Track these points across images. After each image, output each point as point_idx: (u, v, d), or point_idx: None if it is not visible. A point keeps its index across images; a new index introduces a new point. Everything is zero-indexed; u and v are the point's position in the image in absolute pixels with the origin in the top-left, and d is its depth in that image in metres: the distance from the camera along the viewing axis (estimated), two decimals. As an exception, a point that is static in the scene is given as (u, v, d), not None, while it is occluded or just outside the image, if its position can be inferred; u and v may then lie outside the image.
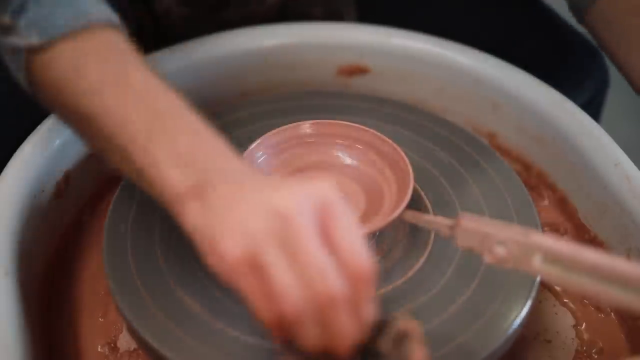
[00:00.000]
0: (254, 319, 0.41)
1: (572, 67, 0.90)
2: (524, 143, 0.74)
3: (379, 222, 0.57)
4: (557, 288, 0.65)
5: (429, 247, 0.59)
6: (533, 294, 0.56)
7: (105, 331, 0.60)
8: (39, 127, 0.65)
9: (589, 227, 0.68)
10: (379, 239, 0.60)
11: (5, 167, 0.61)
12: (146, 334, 0.52)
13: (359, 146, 0.64)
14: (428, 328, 0.53)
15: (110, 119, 0.47)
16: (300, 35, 0.78)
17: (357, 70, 0.79)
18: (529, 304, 0.55)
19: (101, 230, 0.60)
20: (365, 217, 0.60)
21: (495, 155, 0.68)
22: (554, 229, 0.70)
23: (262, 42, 0.77)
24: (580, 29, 0.75)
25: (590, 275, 0.45)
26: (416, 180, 0.60)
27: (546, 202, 0.73)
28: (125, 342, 0.60)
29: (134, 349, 0.59)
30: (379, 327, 0.43)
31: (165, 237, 0.59)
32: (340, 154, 0.64)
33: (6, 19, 0.49)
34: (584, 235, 0.68)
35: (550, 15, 0.94)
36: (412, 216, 0.56)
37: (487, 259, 0.49)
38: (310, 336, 0.41)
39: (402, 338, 0.43)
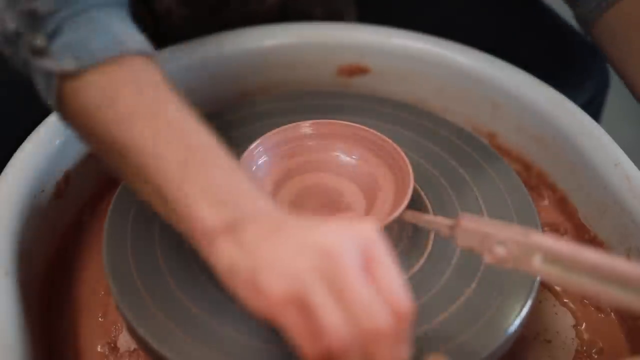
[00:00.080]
0: (298, 354, 0.41)
1: (572, 67, 0.90)
2: (524, 143, 0.74)
3: (378, 222, 0.57)
4: (557, 288, 0.65)
5: (429, 247, 0.59)
6: (533, 294, 0.56)
7: (105, 331, 0.60)
8: (39, 127, 0.65)
9: (589, 227, 0.68)
10: (379, 239, 0.60)
11: (5, 167, 0.61)
12: (146, 334, 0.52)
13: (358, 146, 0.64)
14: (428, 328, 0.53)
15: (142, 151, 0.46)
16: (300, 35, 0.78)
17: (357, 70, 0.79)
18: (529, 304, 0.55)
19: (101, 230, 0.60)
20: (365, 217, 0.60)
21: (495, 155, 0.68)
22: (554, 229, 0.70)
23: (262, 42, 0.77)
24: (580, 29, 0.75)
25: (590, 275, 0.45)
26: (416, 180, 0.60)
27: (546, 202, 0.73)
28: (125, 342, 0.60)
29: (134, 349, 0.59)
30: None
31: (165, 237, 0.59)
32: (340, 154, 0.64)
33: (40, 41, 0.48)
34: (584, 235, 0.68)
35: (550, 15, 0.94)
36: (412, 216, 0.56)
37: (487, 259, 0.49)
38: None
39: None
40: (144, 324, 0.53)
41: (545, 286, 0.65)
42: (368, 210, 0.60)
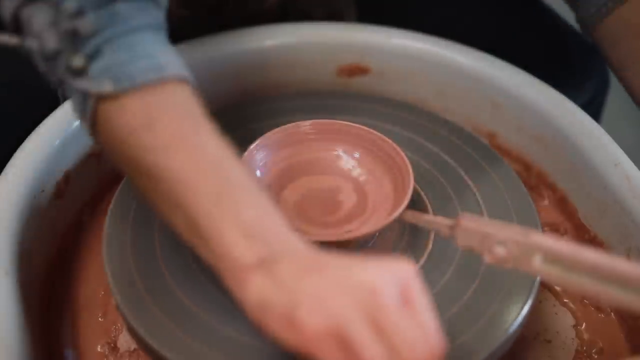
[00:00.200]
0: None
1: (573, 67, 0.90)
2: (524, 143, 0.74)
3: (379, 222, 0.57)
4: (557, 288, 0.65)
5: (429, 247, 0.59)
6: (533, 294, 0.56)
7: (105, 331, 0.60)
8: (39, 127, 0.65)
9: (589, 227, 0.68)
10: (379, 239, 0.60)
11: (5, 167, 0.61)
12: (146, 334, 0.52)
13: (358, 146, 0.64)
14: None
15: (176, 181, 0.45)
16: (300, 35, 0.78)
17: (357, 70, 0.79)
18: (529, 304, 0.55)
19: (101, 230, 0.60)
20: (365, 217, 0.60)
21: (496, 155, 0.68)
22: (554, 229, 0.70)
23: (262, 42, 0.77)
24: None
25: (590, 275, 0.45)
26: (416, 180, 0.60)
27: (546, 202, 0.73)
28: (125, 342, 0.60)
29: (134, 349, 0.59)
30: None
31: (165, 237, 0.59)
32: (340, 154, 0.64)
33: (79, 62, 0.47)
34: (584, 235, 0.68)
35: (550, 15, 0.94)
36: (412, 216, 0.56)
37: (487, 259, 0.49)
38: None
39: None
40: (144, 324, 0.53)
41: (545, 286, 0.65)
42: (368, 210, 0.60)
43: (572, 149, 0.68)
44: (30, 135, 0.64)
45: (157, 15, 0.50)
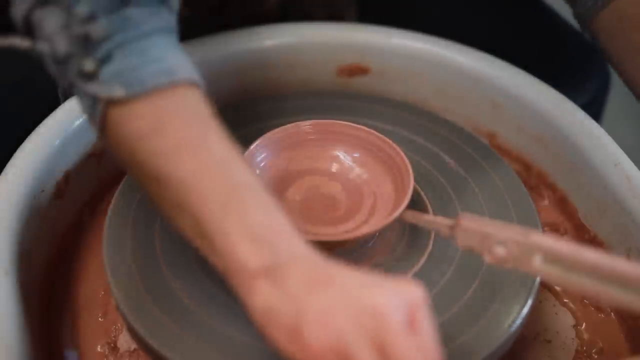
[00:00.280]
0: None
1: (573, 67, 0.90)
2: (524, 143, 0.74)
3: (379, 222, 0.57)
4: (557, 288, 0.65)
5: (429, 247, 0.59)
6: (533, 294, 0.56)
7: (105, 331, 0.60)
8: (39, 127, 0.65)
9: (589, 227, 0.68)
10: (379, 239, 0.60)
11: (5, 167, 0.61)
12: (146, 334, 0.52)
13: (358, 146, 0.64)
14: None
15: (185, 185, 0.45)
16: (300, 35, 0.78)
17: (358, 70, 0.79)
18: (529, 304, 0.55)
19: (101, 230, 0.60)
20: (365, 218, 0.60)
21: (495, 155, 0.68)
22: (554, 229, 0.70)
23: (262, 42, 0.77)
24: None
25: (590, 275, 0.45)
26: (416, 180, 0.60)
27: (546, 202, 0.73)
28: (125, 342, 0.60)
29: (134, 349, 0.59)
30: None
31: (165, 238, 0.59)
32: (340, 154, 0.64)
33: (90, 66, 0.47)
34: (584, 235, 0.68)
35: (550, 15, 0.94)
36: (412, 216, 0.56)
37: (487, 259, 0.49)
38: None
39: None
40: (144, 324, 0.53)
41: (545, 286, 0.65)
42: (368, 211, 0.60)
43: (572, 149, 0.68)
44: (30, 135, 0.64)
45: (169, 19, 0.50)
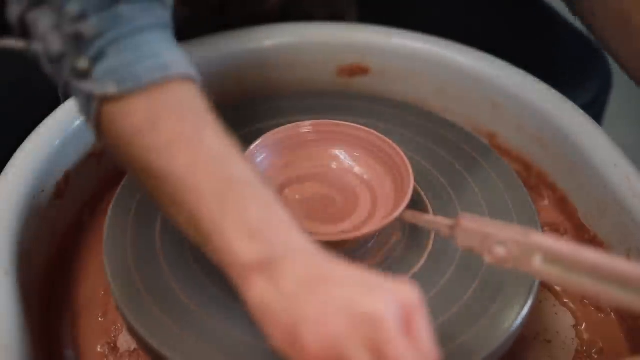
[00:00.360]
0: None
1: (573, 67, 0.90)
2: (524, 143, 0.74)
3: (379, 222, 0.57)
4: (557, 288, 0.65)
5: (429, 247, 0.59)
6: (533, 294, 0.56)
7: (105, 331, 0.60)
8: (39, 127, 0.65)
9: (589, 227, 0.68)
10: (379, 239, 0.60)
11: (6, 167, 0.61)
12: (146, 334, 0.52)
13: (358, 146, 0.64)
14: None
15: (180, 180, 0.45)
16: (300, 35, 0.78)
17: (358, 70, 0.79)
18: (529, 304, 0.55)
19: (101, 230, 0.60)
20: (365, 218, 0.60)
21: (495, 155, 0.68)
22: (554, 229, 0.70)
23: (262, 42, 0.77)
24: (582, 28, 0.75)
25: (590, 275, 0.45)
26: (416, 180, 0.60)
27: (546, 202, 0.73)
28: (125, 342, 0.60)
29: (134, 349, 0.59)
30: None
31: (165, 237, 0.59)
32: (340, 154, 0.64)
33: (84, 64, 0.47)
34: (584, 235, 0.68)
35: (551, 14, 0.94)
36: (412, 216, 0.56)
37: (487, 259, 0.49)
38: None
39: None
40: (144, 324, 0.53)
41: (545, 286, 0.65)
42: (368, 211, 0.60)
43: (572, 149, 0.68)
44: (30, 135, 0.64)
45: (162, 15, 0.50)
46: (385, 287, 0.42)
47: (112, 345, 0.60)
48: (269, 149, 0.62)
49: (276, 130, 0.63)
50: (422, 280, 0.57)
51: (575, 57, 0.91)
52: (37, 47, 0.49)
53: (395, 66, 0.78)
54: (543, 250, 0.47)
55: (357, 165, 0.64)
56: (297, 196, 0.62)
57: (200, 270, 0.56)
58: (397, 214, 0.56)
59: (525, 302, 0.55)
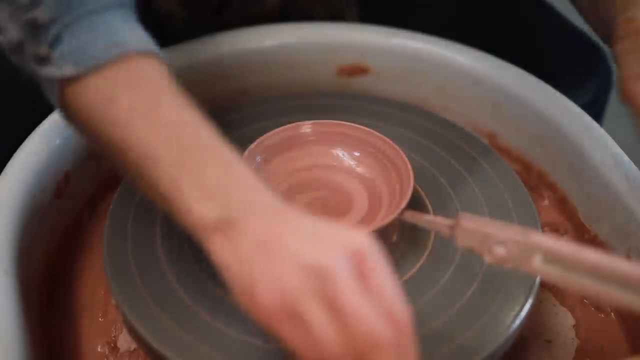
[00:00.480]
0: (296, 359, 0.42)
1: (573, 67, 0.90)
2: (524, 143, 0.74)
3: (379, 222, 0.57)
4: (558, 288, 0.65)
5: (429, 247, 0.59)
6: (533, 294, 0.56)
7: (105, 331, 0.60)
8: (39, 127, 0.65)
9: (589, 227, 0.68)
10: (378, 239, 0.60)
11: (6, 167, 0.61)
12: (146, 334, 0.52)
13: (359, 146, 0.64)
14: (428, 328, 0.53)
15: (139, 151, 0.46)
16: (300, 35, 0.78)
17: (358, 70, 0.79)
18: (529, 304, 0.55)
19: (101, 230, 0.60)
20: (365, 217, 0.60)
21: (495, 155, 0.68)
22: (554, 229, 0.70)
23: (262, 42, 0.77)
24: (583, 28, 0.75)
25: (590, 275, 0.45)
26: (416, 180, 0.60)
27: (546, 202, 0.73)
28: (125, 342, 0.60)
29: (134, 349, 0.59)
30: None
31: (165, 237, 0.59)
32: (340, 154, 0.64)
33: (43, 50, 0.49)
34: (584, 235, 0.68)
35: (551, 14, 0.94)
36: (412, 216, 0.56)
37: (487, 259, 0.49)
38: None
39: None
40: (144, 324, 0.53)
41: (545, 286, 0.65)
42: (368, 211, 0.60)
43: (572, 149, 0.68)
44: (30, 135, 0.64)
45: None
46: (335, 237, 0.43)
47: (112, 345, 0.60)
48: (269, 149, 0.62)
49: (276, 130, 0.63)
50: (422, 280, 0.57)
51: (575, 56, 0.91)
52: (1, 39, 0.50)
53: (395, 66, 0.78)
54: (543, 250, 0.47)
55: (357, 165, 0.64)
56: (296, 196, 0.62)
57: (200, 270, 0.56)
58: (397, 214, 0.56)
59: (525, 302, 0.55)
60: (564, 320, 0.63)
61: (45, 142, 0.64)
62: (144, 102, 0.47)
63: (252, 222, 0.43)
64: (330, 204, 0.61)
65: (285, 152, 0.63)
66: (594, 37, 0.73)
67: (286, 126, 0.63)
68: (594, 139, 0.67)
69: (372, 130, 0.63)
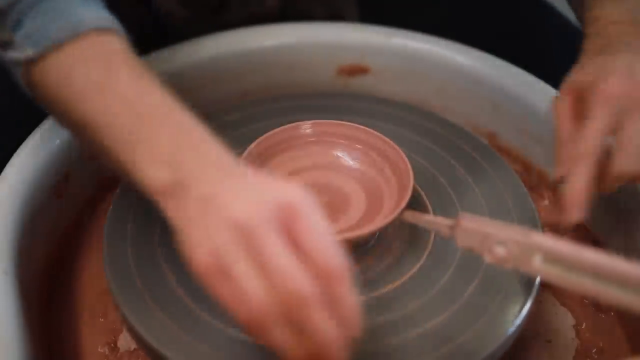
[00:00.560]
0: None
1: (574, 67, 0.90)
2: (524, 143, 0.74)
3: (379, 222, 0.57)
4: (558, 288, 0.65)
5: (429, 247, 0.59)
6: (533, 294, 0.56)
7: (105, 331, 0.60)
8: (39, 127, 0.65)
9: (589, 227, 0.68)
10: (379, 239, 0.60)
11: (6, 167, 0.61)
12: (146, 334, 0.52)
13: (359, 146, 0.64)
14: (428, 328, 0.53)
15: (97, 124, 0.48)
16: (300, 35, 0.78)
17: (358, 70, 0.79)
18: (529, 304, 0.55)
19: (101, 230, 0.60)
20: (365, 218, 0.60)
21: (495, 155, 0.68)
22: (554, 229, 0.70)
23: (262, 42, 0.77)
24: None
25: (590, 275, 0.45)
26: (416, 180, 0.60)
27: (546, 202, 0.73)
28: (125, 342, 0.60)
29: (134, 349, 0.59)
30: None
31: (165, 237, 0.59)
32: (340, 154, 0.64)
33: (5, 35, 0.51)
34: (584, 235, 0.68)
35: (551, 14, 0.94)
36: (412, 216, 0.56)
37: (487, 259, 0.49)
38: (287, 340, 0.41)
39: None
40: (144, 324, 0.53)
41: (545, 286, 0.65)
42: (368, 211, 0.60)
43: (572, 149, 0.68)
44: (31, 134, 0.64)
45: None
46: (267, 192, 0.43)
47: (112, 345, 0.60)
48: (269, 149, 0.62)
49: (276, 130, 0.63)
50: (422, 280, 0.57)
51: (576, 56, 0.91)
52: None
53: (395, 66, 0.78)
54: (543, 250, 0.47)
55: (357, 165, 0.64)
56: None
57: (200, 270, 0.56)
58: (397, 214, 0.56)
59: (525, 302, 0.55)
60: (564, 320, 0.63)
61: (45, 142, 0.64)
62: (99, 76, 0.49)
63: (199, 183, 0.44)
64: (330, 204, 0.61)
65: (285, 152, 0.63)
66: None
67: (286, 126, 0.63)
68: (594, 139, 0.67)
69: (372, 130, 0.63)
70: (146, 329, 0.52)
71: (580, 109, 0.57)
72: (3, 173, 0.61)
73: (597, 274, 0.45)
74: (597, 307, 0.64)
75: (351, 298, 0.41)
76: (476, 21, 0.91)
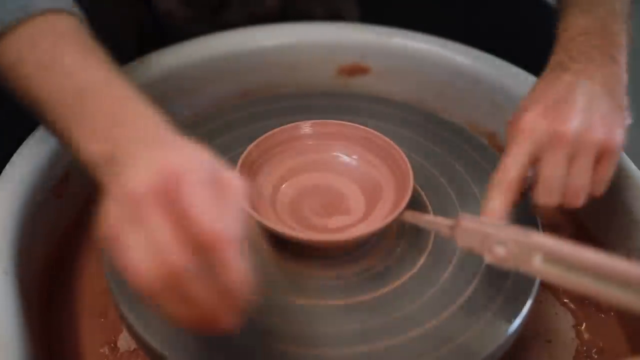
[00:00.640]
0: None
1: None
2: (524, 143, 0.74)
3: (379, 222, 0.57)
4: (557, 288, 0.65)
5: (429, 247, 0.59)
6: (533, 294, 0.56)
7: (105, 331, 0.60)
8: (39, 126, 0.65)
9: (589, 227, 0.68)
10: (379, 240, 0.60)
11: (6, 167, 0.61)
12: (146, 333, 0.52)
13: (358, 146, 0.64)
14: (428, 328, 0.53)
15: (42, 100, 0.50)
16: (300, 35, 0.78)
17: (358, 70, 0.79)
18: (529, 304, 0.55)
19: (101, 230, 0.60)
20: (365, 218, 0.60)
21: (496, 155, 0.67)
22: (554, 229, 0.70)
23: (262, 42, 0.77)
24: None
25: (590, 275, 0.45)
26: (416, 180, 0.60)
27: (546, 202, 0.72)
28: (125, 342, 0.60)
29: (134, 349, 0.59)
30: None
31: (165, 237, 0.59)
32: (340, 154, 0.64)
33: None
34: (584, 235, 0.68)
35: (551, 14, 0.94)
36: (412, 216, 0.56)
37: (487, 259, 0.49)
38: (174, 309, 0.41)
39: None
40: (144, 324, 0.53)
41: (545, 286, 0.65)
42: (368, 211, 0.60)
43: (572, 149, 0.68)
44: (30, 135, 0.64)
45: None
46: (159, 160, 0.42)
47: (112, 345, 0.60)
48: (269, 149, 0.62)
49: (276, 130, 0.63)
50: (422, 280, 0.57)
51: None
52: None
53: (395, 66, 0.78)
54: (543, 250, 0.47)
55: (357, 165, 0.64)
56: (295, 196, 0.62)
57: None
58: (397, 214, 0.56)
59: (525, 302, 0.55)
60: (564, 320, 0.63)
61: (45, 142, 0.64)
62: (45, 56, 0.51)
63: (127, 158, 0.44)
64: (330, 204, 0.61)
65: (285, 152, 0.63)
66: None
67: (286, 126, 0.63)
68: (594, 139, 0.67)
69: (372, 130, 0.63)
70: (146, 329, 0.52)
71: None
72: (3, 173, 0.61)
73: (597, 274, 0.45)
74: (597, 307, 0.64)
75: (236, 263, 0.40)
76: (476, 21, 0.91)
